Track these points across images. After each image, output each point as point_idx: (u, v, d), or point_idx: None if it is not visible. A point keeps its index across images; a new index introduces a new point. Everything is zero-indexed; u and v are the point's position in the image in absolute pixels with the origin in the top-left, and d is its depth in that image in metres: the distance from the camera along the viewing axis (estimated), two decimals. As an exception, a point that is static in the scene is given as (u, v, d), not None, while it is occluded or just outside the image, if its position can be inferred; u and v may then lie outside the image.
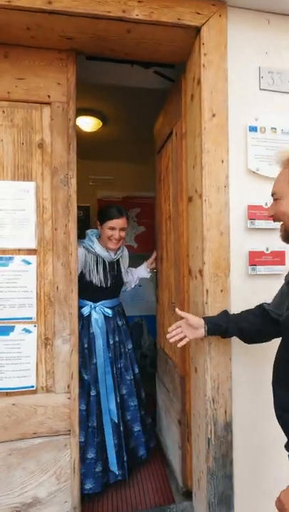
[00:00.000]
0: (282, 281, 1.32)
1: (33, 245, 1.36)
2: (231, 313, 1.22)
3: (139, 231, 3.76)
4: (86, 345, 1.70)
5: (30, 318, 1.36)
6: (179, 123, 1.54)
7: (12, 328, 1.34)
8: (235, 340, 1.28)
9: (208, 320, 1.15)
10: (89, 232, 1.79)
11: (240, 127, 1.30)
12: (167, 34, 1.30)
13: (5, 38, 1.29)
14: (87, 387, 1.67)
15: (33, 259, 1.36)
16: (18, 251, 1.35)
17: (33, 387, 1.35)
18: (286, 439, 0.91)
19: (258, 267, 1.30)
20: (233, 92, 1.30)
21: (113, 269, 1.80)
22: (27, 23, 1.22)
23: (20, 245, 1.35)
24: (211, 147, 1.26)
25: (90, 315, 1.72)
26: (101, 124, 2.87)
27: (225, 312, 1.19)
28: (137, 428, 1.77)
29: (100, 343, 1.70)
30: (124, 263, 1.90)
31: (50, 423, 1.36)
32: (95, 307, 1.73)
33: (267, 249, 1.31)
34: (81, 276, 1.67)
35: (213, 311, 1.25)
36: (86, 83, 1.69)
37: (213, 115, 1.27)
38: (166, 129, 1.72)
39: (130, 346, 1.84)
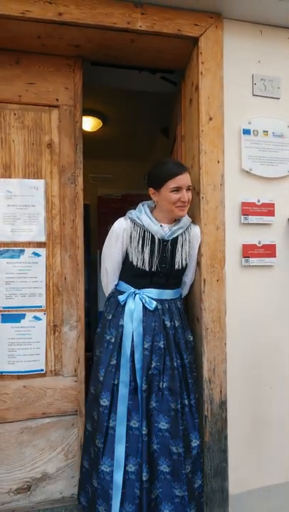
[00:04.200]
0: (275, 272, 1.44)
1: (42, 239, 1.46)
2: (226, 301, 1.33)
3: (137, 229, 3.86)
4: (113, 340, 1.29)
5: (40, 307, 1.46)
6: (179, 126, 1.65)
7: (23, 316, 1.44)
8: (231, 325, 1.40)
9: None
10: (142, 203, 1.39)
11: (234, 130, 1.41)
12: (168, 43, 1.40)
13: (17, 45, 1.39)
14: (98, 392, 1.27)
15: (42, 251, 1.46)
16: (29, 244, 1.45)
17: (42, 370, 1.45)
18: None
19: (250, 258, 1.41)
20: (228, 98, 1.41)
21: (166, 250, 1.30)
22: (38, 32, 1.32)
23: (31, 239, 1.45)
24: (208, 148, 1.37)
25: (126, 303, 1.29)
26: (101, 124, 2.97)
27: None
28: (177, 491, 1.20)
29: (126, 343, 1.24)
30: (192, 248, 1.36)
31: (59, 404, 1.46)
32: (134, 294, 1.30)
33: (259, 243, 1.42)
34: (126, 256, 1.33)
35: (210, 299, 1.37)
36: (89, 86, 1.79)
37: (210, 119, 1.38)
38: (173, 131, 1.82)
39: (183, 362, 1.29)
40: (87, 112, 2.61)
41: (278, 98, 1.46)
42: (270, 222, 1.44)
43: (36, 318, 1.46)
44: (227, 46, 1.40)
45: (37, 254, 1.46)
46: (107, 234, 1.37)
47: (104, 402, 1.24)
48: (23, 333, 1.44)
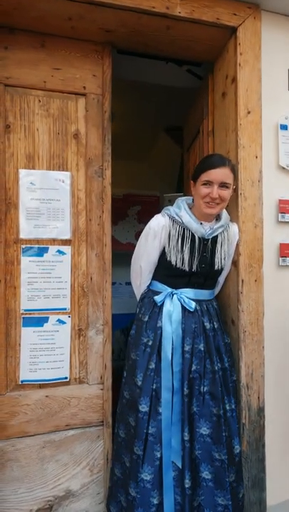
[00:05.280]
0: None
1: (67, 236, 1.36)
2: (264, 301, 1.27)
3: (140, 229, 3.79)
4: (150, 343, 1.21)
5: (65, 309, 1.35)
6: (206, 121, 1.58)
7: (46, 319, 1.33)
8: (268, 328, 1.34)
9: None
10: (180, 198, 1.30)
11: (271, 125, 1.37)
12: (204, 33, 1.34)
13: (44, 27, 1.29)
14: (136, 397, 1.19)
15: (67, 249, 1.36)
16: (53, 241, 1.34)
17: (66, 378, 1.34)
18: None
19: (287, 258, 1.36)
20: (265, 92, 1.36)
21: (206, 249, 1.23)
22: (70, 13, 1.22)
23: (55, 235, 1.34)
24: (246, 143, 1.32)
25: (163, 304, 1.23)
26: (108, 120, 2.88)
27: None
28: (220, 499, 1.14)
29: (167, 346, 1.18)
30: (230, 247, 1.29)
31: (83, 414, 1.35)
32: (172, 294, 1.23)
33: (296, 242, 1.38)
34: (162, 254, 1.25)
35: (248, 300, 1.30)
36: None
37: (248, 112, 1.32)
38: (195, 126, 1.76)
39: (224, 365, 1.24)
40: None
41: (312, 94, 1.43)
42: (306, 221, 1.40)
43: (60, 321, 1.35)
44: (264, 39, 1.36)
45: (62, 253, 1.35)
46: None
47: (144, 407, 1.16)
48: (46, 337, 1.33)
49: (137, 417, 1.16)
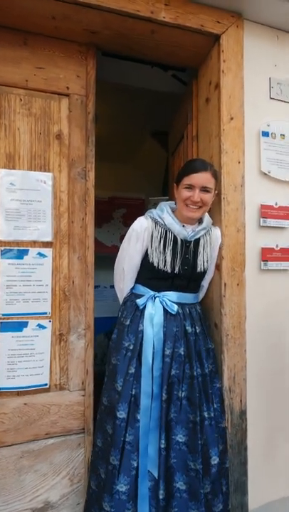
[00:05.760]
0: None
1: (49, 238, 1.32)
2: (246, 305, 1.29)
3: (125, 232, 3.77)
4: (131, 347, 1.19)
5: (45, 313, 1.31)
6: (190, 126, 1.60)
7: (25, 324, 1.29)
8: (250, 331, 1.35)
9: None
10: (164, 202, 1.32)
11: (254, 131, 1.39)
12: (188, 39, 1.36)
13: (27, 26, 1.27)
14: (115, 403, 1.16)
15: (48, 252, 1.32)
16: (34, 243, 1.30)
17: (46, 385, 1.30)
18: None
19: (269, 262, 1.39)
20: (248, 99, 1.39)
21: (188, 251, 1.24)
22: (54, 12, 1.21)
23: (36, 237, 1.30)
24: (229, 148, 1.33)
25: (145, 308, 1.21)
26: (93, 123, 2.87)
27: None
28: (192, 511, 1.10)
29: (148, 351, 1.15)
30: (212, 250, 1.30)
31: (64, 422, 1.31)
32: (154, 297, 1.22)
33: (277, 246, 1.40)
34: (145, 257, 1.25)
35: (230, 303, 1.31)
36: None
37: (231, 118, 1.34)
38: (179, 131, 1.78)
39: (204, 371, 1.20)
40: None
41: (293, 103, 1.47)
42: (287, 226, 1.43)
43: (40, 326, 1.31)
44: (246, 47, 1.39)
45: (42, 255, 1.31)
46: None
47: (121, 414, 1.14)
48: (25, 343, 1.28)
49: (115, 424, 1.13)
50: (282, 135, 1.43)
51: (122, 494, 1.09)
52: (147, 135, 3.19)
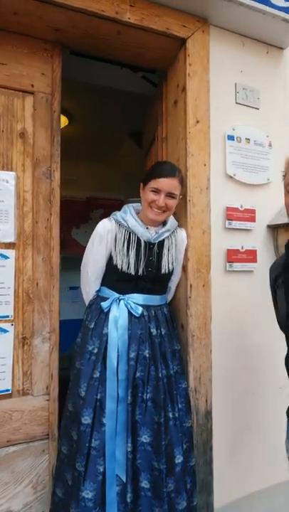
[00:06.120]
0: (255, 278, 1.45)
1: (11, 239, 1.28)
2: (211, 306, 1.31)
3: (102, 233, 3.74)
4: (96, 350, 1.18)
5: (7, 317, 1.27)
6: (160, 127, 1.60)
7: (-14, 328, 1.24)
8: (215, 332, 1.37)
9: None
10: (128, 204, 1.32)
11: (219, 135, 1.42)
12: (155, 41, 1.36)
13: (-13, 19, 1.22)
14: (79, 408, 1.14)
15: (11, 253, 1.28)
16: (-5, 244, 1.26)
17: (8, 391, 1.26)
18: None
19: (234, 263, 1.41)
20: (214, 103, 1.41)
21: (152, 253, 1.24)
22: (15, 7, 1.18)
23: (-2, 238, 1.26)
24: (195, 151, 1.35)
25: (110, 311, 1.20)
26: (67, 122, 2.83)
27: None
28: (157, 510, 1.11)
29: (112, 354, 1.14)
30: (178, 252, 1.31)
31: (27, 428, 1.27)
32: (119, 300, 1.21)
33: (242, 248, 1.43)
34: (109, 259, 1.25)
35: (196, 304, 1.32)
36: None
37: (197, 121, 1.36)
38: (151, 132, 1.78)
39: (169, 372, 1.21)
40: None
41: (258, 108, 1.51)
42: (252, 228, 1.46)
43: (2, 330, 1.26)
44: (212, 52, 1.41)
45: (4, 257, 1.27)
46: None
47: (86, 419, 1.12)
48: (-15, 348, 1.24)
49: (80, 430, 1.11)
50: (248, 139, 1.46)
51: (88, 501, 1.07)
52: (125, 135, 3.19)
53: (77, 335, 1.30)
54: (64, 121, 2.80)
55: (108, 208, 3.71)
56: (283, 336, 0.97)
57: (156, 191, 1.20)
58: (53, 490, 1.22)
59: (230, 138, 1.42)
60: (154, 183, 1.20)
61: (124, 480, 1.09)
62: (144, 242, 1.23)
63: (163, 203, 1.20)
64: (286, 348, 0.95)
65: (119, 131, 3.07)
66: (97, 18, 1.24)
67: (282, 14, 1.38)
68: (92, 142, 3.33)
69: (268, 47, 1.54)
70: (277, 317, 1.01)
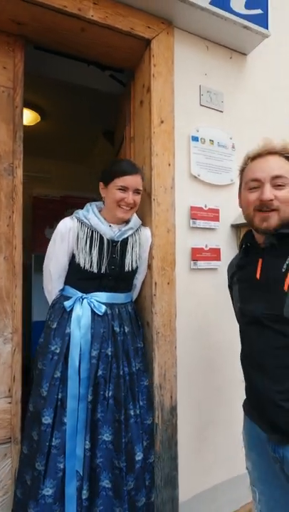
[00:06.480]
0: (219, 275, 1.49)
1: None
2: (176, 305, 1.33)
3: (76, 232, 3.70)
4: (58, 350, 1.16)
5: None
6: (128, 127, 1.61)
7: None
8: (180, 329, 1.39)
9: None
10: (90, 202, 1.31)
11: (184, 136, 1.44)
12: (120, 40, 1.37)
13: None
14: (40, 408, 1.13)
15: None
16: None
17: None
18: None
19: (198, 262, 1.44)
20: (178, 104, 1.44)
21: (115, 251, 1.24)
22: (-28, -3, 1.14)
23: None
24: (159, 151, 1.37)
25: (72, 310, 1.19)
26: (39, 118, 2.77)
27: None
28: (118, 509, 1.11)
29: (74, 353, 1.14)
30: (142, 250, 1.31)
31: (-13, 432, 1.23)
32: (82, 299, 1.21)
33: (206, 246, 1.47)
34: (72, 258, 1.24)
35: (161, 302, 1.34)
36: (29, 73, 1.64)
37: (162, 122, 1.38)
38: (121, 132, 1.78)
39: (132, 370, 1.22)
40: (24, 104, 2.40)
41: (222, 111, 1.56)
42: (216, 227, 1.50)
43: None
44: (177, 54, 1.44)
45: None
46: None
47: (47, 419, 1.12)
48: None
49: (40, 430, 1.11)
50: (211, 141, 1.50)
51: (48, 498, 1.08)
52: (99, 134, 3.17)
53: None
54: (36, 117, 2.75)
55: (83, 206, 3.68)
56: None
57: (124, 189, 1.21)
58: (14, 491, 1.20)
59: (195, 139, 1.46)
60: (121, 182, 1.21)
61: (80, 477, 1.10)
62: (107, 240, 1.24)
63: (132, 200, 1.22)
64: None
65: (93, 129, 3.05)
66: (60, 14, 1.22)
67: (243, 21, 1.43)
68: (66, 140, 3.28)
69: (231, 52, 1.59)
70: (235, 313, 1.05)
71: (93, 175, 3.70)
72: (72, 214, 1.30)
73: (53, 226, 3.55)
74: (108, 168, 1.27)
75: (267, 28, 1.51)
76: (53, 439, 1.10)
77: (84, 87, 1.93)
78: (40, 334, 1.31)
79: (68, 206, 3.59)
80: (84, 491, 1.08)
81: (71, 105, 2.60)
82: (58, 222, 3.91)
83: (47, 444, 1.09)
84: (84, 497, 1.08)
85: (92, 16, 1.24)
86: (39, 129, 2.85)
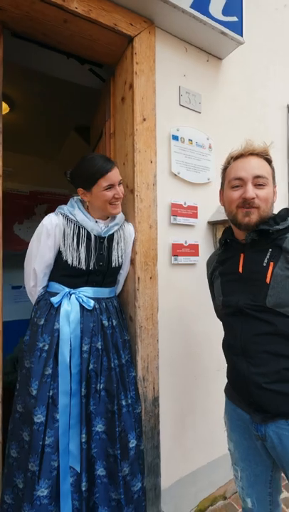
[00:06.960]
0: (197, 270, 1.55)
1: None
2: (158, 298, 1.37)
3: (47, 228, 3.60)
4: (46, 347, 1.15)
5: None
6: (108, 123, 1.61)
7: None
8: (162, 322, 1.43)
9: None
10: (74, 198, 1.28)
11: (165, 134, 1.48)
12: (103, 35, 1.36)
13: None
14: (31, 408, 1.11)
15: None
16: None
17: None
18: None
19: (179, 257, 1.49)
20: (160, 103, 1.47)
21: (103, 247, 1.24)
22: None
23: None
24: (142, 148, 1.39)
25: (60, 306, 1.18)
26: (8, 109, 2.65)
27: None
28: (113, 494, 1.14)
29: (64, 349, 1.13)
30: (126, 246, 1.32)
31: None
32: (70, 294, 1.20)
33: (186, 242, 1.52)
34: (58, 254, 1.22)
35: (144, 296, 1.37)
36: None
37: (144, 119, 1.40)
38: (99, 128, 1.77)
39: (121, 361, 1.24)
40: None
41: (199, 112, 1.62)
42: (194, 224, 1.56)
43: None
44: (158, 54, 1.47)
45: None
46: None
47: (40, 418, 1.10)
48: None
49: (32, 429, 1.09)
50: (190, 140, 1.55)
51: (43, 498, 1.07)
52: (71, 129, 3.10)
53: (24, 334, 1.24)
54: (4, 107, 2.63)
55: (53, 202, 3.58)
56: (219, 323, 1.06)
57: (111, 187, 1.20)
58: (1, 498, 1.16)
59: (175, 138, 1.50)
60: (106, 181, 1.18)
61: (79, 470, 1.10)
62: (95, 236, 1.23)
63: (121, 192, 1.23)
64: (223, 333, 1.05)
65: (66, 125, 2.99)
66: (41, 2, 1.19)
67: (220, 27, 1.50)
68: (35, 133, 3.18)
69: (208, 55, 1.66)
70: (214, 306, 1.10)
71: (63, 170, 3.63)
72: (52, 211, 1.26)
73: (22, 222, 3.43)
74: (82, 170, 1.21)
75: (242, 35, 1.59)
76: (46, 437, 1.08)
77: (59, 80, 1.89)
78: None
79: (38, 202, 3.48)
80: (83, 483, 1.09)
81: (43, 97, 2.52)
82: (27, 218, 3.77)
83: (40, 443, 1.07)
84: (83, 488, 1.09)
85: (76, 8, 1.23)
86: (7, 120, 2.73)
